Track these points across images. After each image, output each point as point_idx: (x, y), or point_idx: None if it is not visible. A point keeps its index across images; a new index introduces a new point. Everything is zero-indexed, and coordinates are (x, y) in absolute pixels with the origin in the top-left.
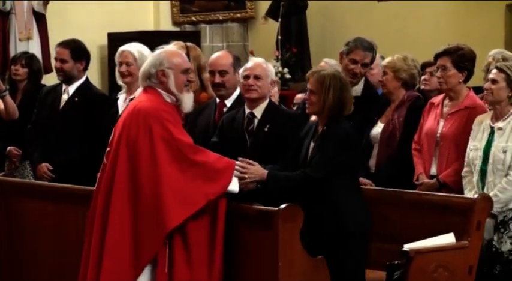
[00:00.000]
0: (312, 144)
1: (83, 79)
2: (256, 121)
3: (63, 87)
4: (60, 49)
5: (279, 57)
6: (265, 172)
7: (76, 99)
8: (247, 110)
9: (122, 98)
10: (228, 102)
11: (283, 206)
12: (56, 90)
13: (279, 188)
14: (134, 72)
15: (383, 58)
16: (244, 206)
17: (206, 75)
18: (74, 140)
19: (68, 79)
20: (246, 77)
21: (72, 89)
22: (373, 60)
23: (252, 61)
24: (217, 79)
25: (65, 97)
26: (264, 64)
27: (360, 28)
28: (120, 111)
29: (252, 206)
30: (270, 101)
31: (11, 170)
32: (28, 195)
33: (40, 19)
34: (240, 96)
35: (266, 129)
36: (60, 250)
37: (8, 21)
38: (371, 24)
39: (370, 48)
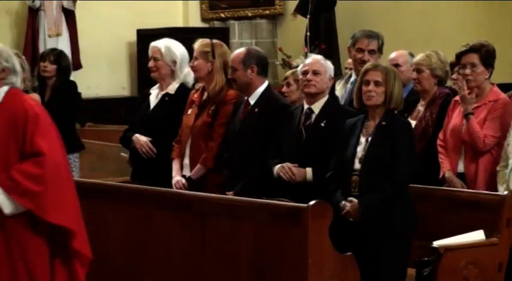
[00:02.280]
0: (362, 138)
1: None
2: (313, 116)
3: None
4: None
5: (308, 53)
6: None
7: None
8: (305, 106)
9: (154, 93)
10: (252, 100)
11: (312, 202)
12: None
13: (379, 214)
14: (160, 68)
15: (412, 55)
16: (273, 202)
17: None
18: None
19: None
20: (305, 73)
21: None
22: (380, 48)
23: (311, 57)
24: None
25: None
26: (322, 60)
27: (388, 25)
28: (152, 107)
29: (281, 203)
30: (330, 97)
31: None
32: None
33: (69, 16)
34: (263, 94)
35: (323, 125)
36: None
37: (38, 18)
38: (399, 22)
39: (374, 35)
